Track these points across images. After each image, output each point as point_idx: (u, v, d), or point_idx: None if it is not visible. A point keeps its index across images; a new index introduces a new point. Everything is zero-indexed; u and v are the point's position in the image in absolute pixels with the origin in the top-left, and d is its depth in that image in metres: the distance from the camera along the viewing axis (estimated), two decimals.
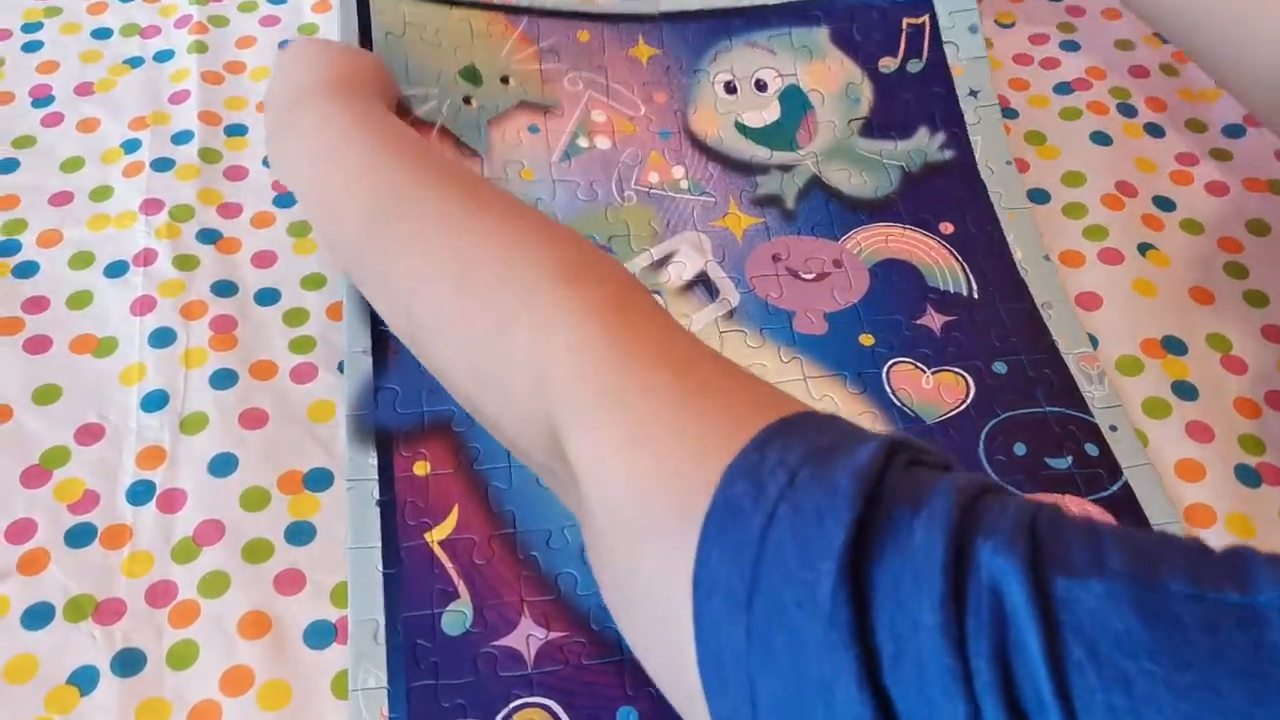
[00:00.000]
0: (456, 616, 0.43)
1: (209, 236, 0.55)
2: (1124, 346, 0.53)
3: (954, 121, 0.60)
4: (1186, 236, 0.58)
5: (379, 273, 0.43)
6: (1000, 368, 0.52)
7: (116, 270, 0.53)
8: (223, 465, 0.47)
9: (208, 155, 0.58)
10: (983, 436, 0.50)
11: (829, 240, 0.56)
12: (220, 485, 0.47)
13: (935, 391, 0.51)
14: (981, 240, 0.56)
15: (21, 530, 0.45)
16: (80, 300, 0.52)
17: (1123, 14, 0.69)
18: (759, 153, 0.59)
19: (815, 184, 0.57)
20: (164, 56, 0.63)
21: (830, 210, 0.56)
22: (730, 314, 0.53)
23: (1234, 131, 0.63)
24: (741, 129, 0.60)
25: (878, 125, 0.60)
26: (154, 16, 0.65)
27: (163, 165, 0.57)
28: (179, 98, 0.60)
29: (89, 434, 0.48)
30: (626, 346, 0.34)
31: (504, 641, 0.43)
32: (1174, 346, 0.53)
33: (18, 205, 0.55)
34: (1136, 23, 0.68)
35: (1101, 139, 0.62)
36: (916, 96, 0.61)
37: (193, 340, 0.51)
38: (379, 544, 0.45)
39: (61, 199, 0.56)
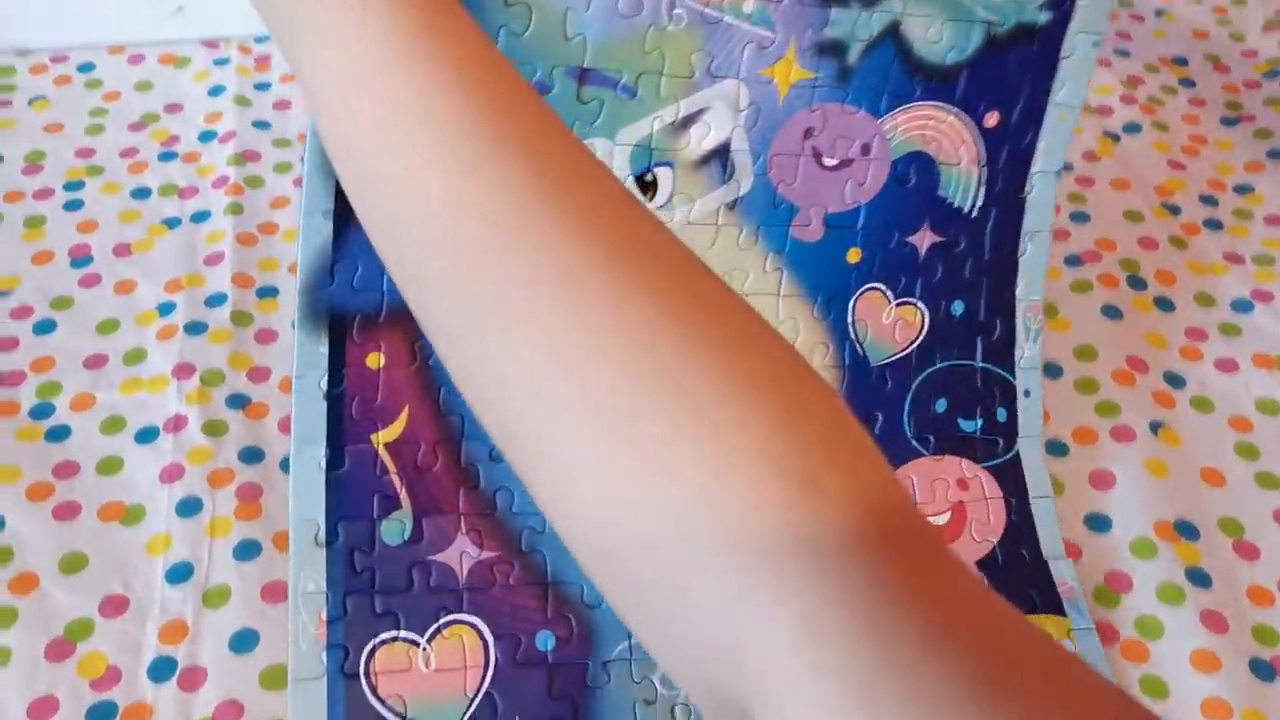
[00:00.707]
0: (395, 525, 0.46)
1: (238, 401, 0.56)
2: (1137, 528, 0.54)
3: None
4: (1197, 415, 0.59)
5: (460, 339, 0.28)
6: (957, 308, 0.54)
7: (147, 436, 0.54)
8: (244, 641, 0.48)
9: (239, 318, 0.60)
10: (913, 387, 0.53)
11: (870, 117, 0.52)
12: (241, 663, 0.47)
13: (891, 328, 0.53)
14: (1015, 141, 0.54)
15: (42, 707, 0.45)
16: (110, 466, 0.53)
17: (1133, 183, 0.71)
18: None
19: (890, 34, 0.52)
20: (201, 217, 0.65)
21: (890, 74, 0.52)
22: (734, 203, 0.51)
23: (1242, 306, 0.64)
24: None
25: None
26: (193, 177, 0.67)
27: (196, 329, 0.59)
28: (214, 259, 0.62)
29: (113, 606, 0.48)
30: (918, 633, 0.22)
31: (439, 557, 0.46)
32: (1186, 530, 0.54)
33: (53, 367, 0.57)
34: (1148, 192, 0.70)
35: (1112, 313, 0.63)
36: None
37: (219, 509, 0.52)
38: (324, 442, 0.45)
39: (96, 362, 0.57)
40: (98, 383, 0.56)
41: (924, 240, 0.54)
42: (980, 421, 0.54)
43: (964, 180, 0.54)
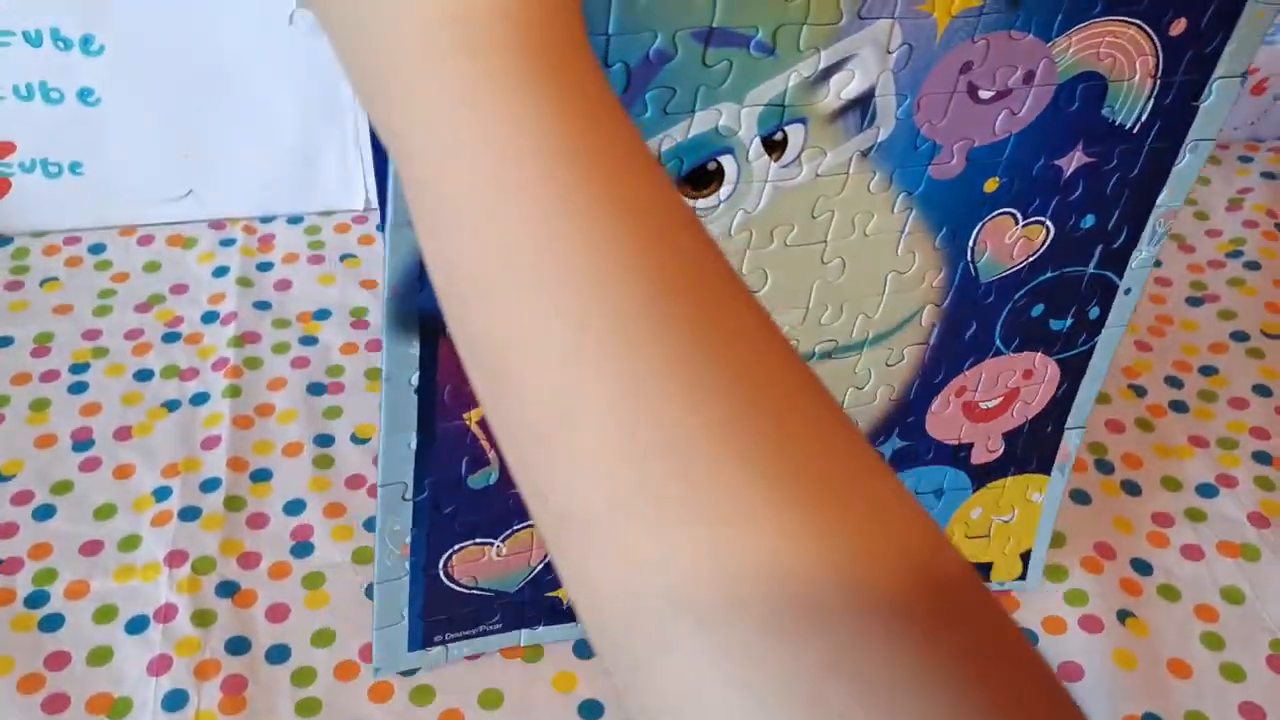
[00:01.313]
0: (483, 474, 0.49)
1: (227, 589, 0.58)
2: None
3: None
4: (1164, 603, 0.60)
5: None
6: (1088, 220, 0.51)
7: (137, 626, 0.56)
8: None
9: (232, 503, 0.62)
10: (1016, 297, 0.52)
11: (1039, 40, 0.47)
12: None
13: (1010, 247, 0.51)
14: (1198, 47, 0.50)
15: None
16: (100, 657, 0.55)
17: None
18: None
19: None
20: (200, 399, 0.67)
21: None
22: (869, 150, 0.46)
23: (1207, 491, 0.66)
24: None
25: None
26: (194, 359, 0.70)
27: (190, 514, 0.61)
28: (211, 443, 0.65)
29: None
30: None
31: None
32: None
33: (50, 554, 0.59)
34: (1116, 374, 0.72)
35: (1081, 497, 0.65)
36: None
37: (204, 703, 0.53)
38: (414, 428, 0.47)
39: (92, 548, 0.59)
40: (93, 570, 0.58)
41: (1072, 161, 0.50)
42: (1071, 321, 0.53)
43: (1133, 95, 0.50)
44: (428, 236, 0.27)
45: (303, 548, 0.60)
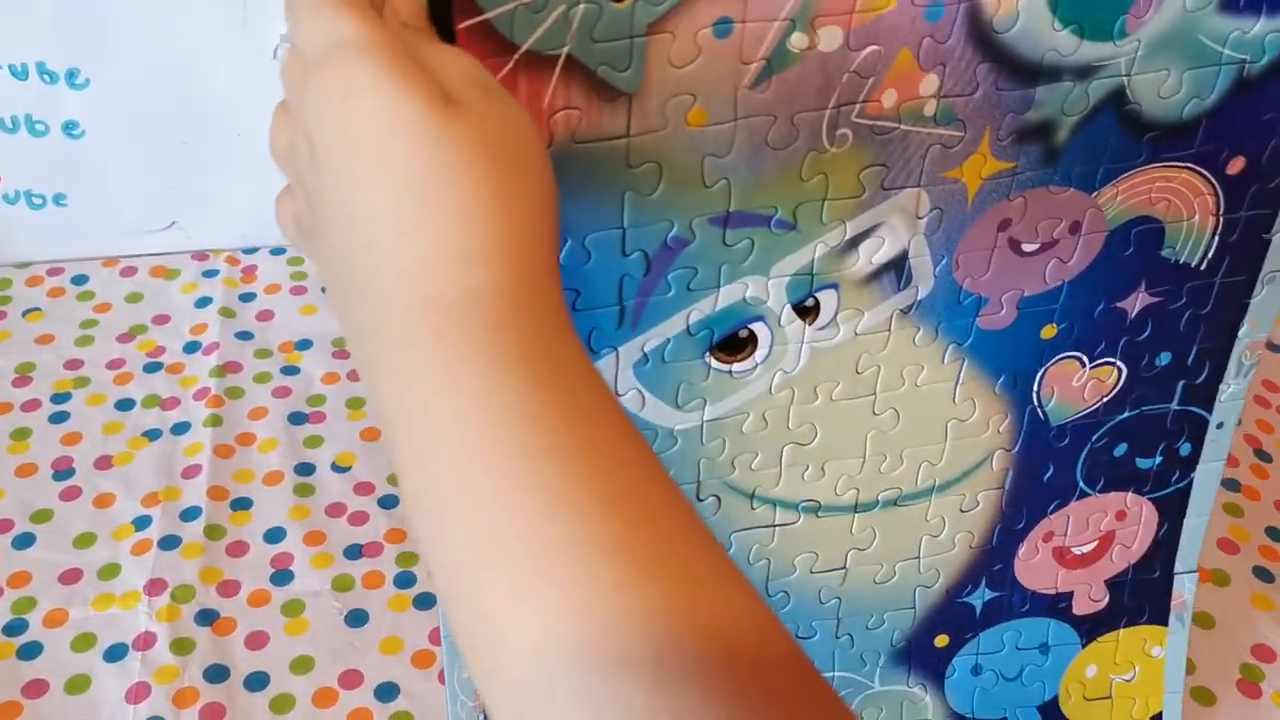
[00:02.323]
0: None
1: (207, 617, 0.58)
2: None
3: None
4: None
5: None
6: (1164, 358, 0.48)
7: (116, 654, 0.56)
8: None
9: (212, 532, 0.62)
10: (1094, 439, 0.49)
11: (1082, 193, 0.45)
12: None
13: (1080, 389, 0.48)
14: (1262, 182, 0.47)
15: None
16: (78, 685, 0.55)
17: None
18: (1062, 42, 0.41)
19: (1113, 100, 0.43)
20: (181, 429, 0.68)
21: (1109, 143, 0.44)
22: (910, 308, 0.44)
23: None
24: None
25: None
26: (175, 388, 0.70)
27: (170, 543, 0.61)
28: (191, 472, 0.65)
29: None
30: None
31: None
32: None
33: (29, 583, 0.59)
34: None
35: None
36: None
37: None
38: None
39: (71, 576, 0.59)
40: (72, 598, 0.58)
41: (1136, 303, 0.47)
42: (1160, 459, 0.50)
43: (1194, 234, 0.47)
44: (414, 515, 0.28)
45: (282, 575, 0.60)
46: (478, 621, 0.27)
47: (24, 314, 0.74)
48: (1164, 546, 0.52)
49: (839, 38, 0.39)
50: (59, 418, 0.68)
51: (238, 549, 0.62)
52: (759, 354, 0.43)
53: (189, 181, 0.77)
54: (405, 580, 0.61)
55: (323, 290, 0.75)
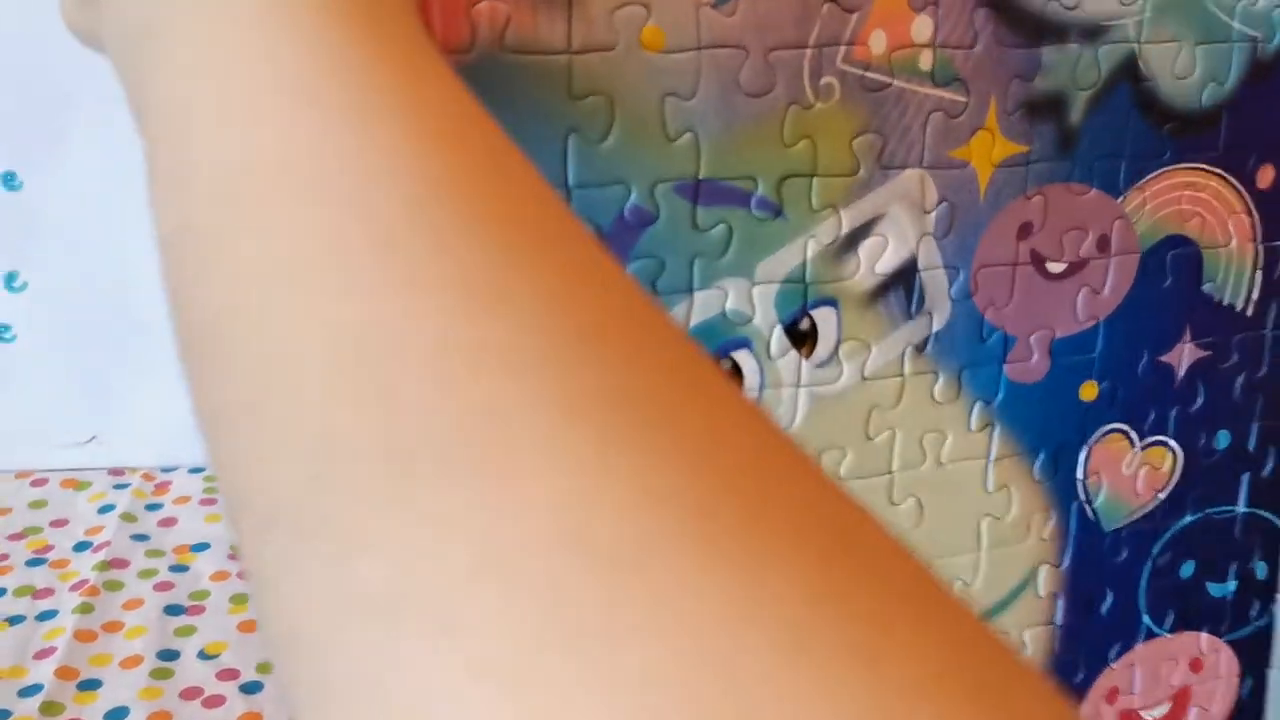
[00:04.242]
0: None
1: None
2: None
3: None
4: None
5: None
6: (1223, 439, 0.43)
7: None
8: None
9: (48, 708, 0.56)
10: (1155, 552, 0.43)
11: (1106, 196, 0.40)
12: None
13: (1132, 480, 0.42)
14: None
15: None
16: None
17: None
18: None
19: (1125, 73, 0.39)
20: (46, 616, 0.63)
21: (1129, 129, 0.40)
22: (925, 342, 0.38)
23: None
24: None
25: None
26: (53, 580, 0.66)
27: None
28: (44, 654, 0.59)
29: None
30: None
31: None
32: None
33: None
34: None
35: None
36: None
37: None
38: None
39: None
40: None
41: (1182, 357, 0.42)
42: (1234, 584, 0.44)
43: (1235, 266, 0.43)
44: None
45: None
46: None
47: None
48: (1250, 711, 0.44)
49: None
50: None
51: None
52: None
53: (111, 395, 0.77)
54: None
55: None
